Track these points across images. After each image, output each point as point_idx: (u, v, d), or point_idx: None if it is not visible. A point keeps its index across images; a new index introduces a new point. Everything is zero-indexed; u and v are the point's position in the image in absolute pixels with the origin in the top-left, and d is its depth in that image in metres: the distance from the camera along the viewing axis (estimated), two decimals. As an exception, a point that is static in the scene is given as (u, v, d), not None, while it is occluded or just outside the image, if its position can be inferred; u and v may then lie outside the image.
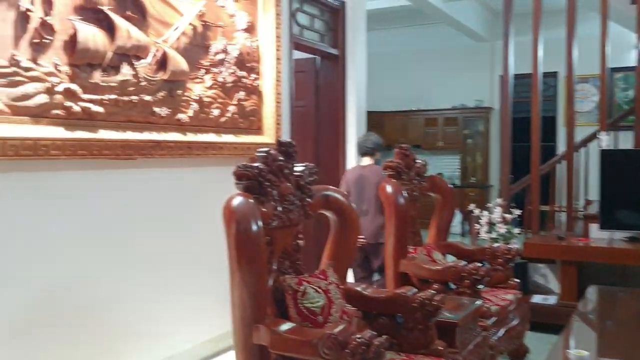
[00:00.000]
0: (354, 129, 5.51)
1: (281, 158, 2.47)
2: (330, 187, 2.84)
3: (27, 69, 2.61)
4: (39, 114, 2.66)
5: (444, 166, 10.53)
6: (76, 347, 2.87)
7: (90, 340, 2.95)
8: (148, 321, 3.25)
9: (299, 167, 2.62)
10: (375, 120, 10.41)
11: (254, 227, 2.17)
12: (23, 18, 2.59)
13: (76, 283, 2.89)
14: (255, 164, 2.35)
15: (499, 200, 5.13)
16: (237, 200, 2.19)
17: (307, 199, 2.62)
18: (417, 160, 3.77)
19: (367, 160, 4.59)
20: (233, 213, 2.15)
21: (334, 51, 5.34)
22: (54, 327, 2.78)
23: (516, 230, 4.93)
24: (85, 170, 2.93)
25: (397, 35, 10.27)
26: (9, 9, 2.53)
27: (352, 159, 5.55)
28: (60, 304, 2.81)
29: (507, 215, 4.89)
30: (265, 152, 2.39)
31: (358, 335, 2.02)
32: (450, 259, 3.83)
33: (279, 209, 2.42)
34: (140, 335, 3.21)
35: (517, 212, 4.97)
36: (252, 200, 2.24)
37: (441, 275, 3.29)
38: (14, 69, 2.55)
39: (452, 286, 3.27)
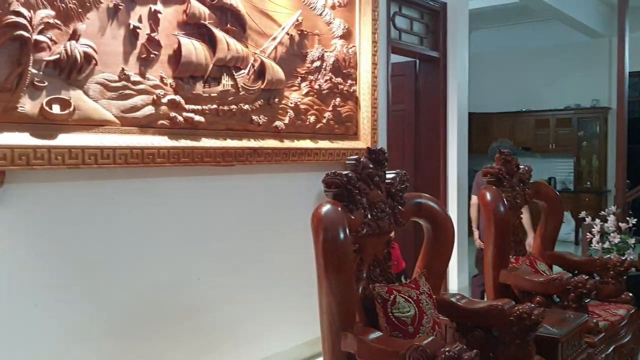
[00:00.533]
0: (455, 132, 5.39)
1: (371, 166, 2.46)
2: (424, 194, 2.79)
3: (136, 83, 2.80)
4: (146, 125, 2.83)
5: (556, 170, 10.00)
6: (175, 347, 3.03)
7: (189, 339, 3.10)
8: (244, 322, 3.36)
9: (390, 175, 2.60)
10: (481, 121, 10.12)
11: (341, 235, 2.17)
12: (132, 35, 2.78)
13: (176, 284, 3.05)
14: (345, 172, 2.36)
15: (613, 208, 4.79)
16: (325, 208, 2.21)
17: (399, 207, 2.59)
18: (521, 166, 3.61)
19: None
20: (321, 221, 2.17)
21: (434, 54, 5.24)
22: (154, 327, 2.95)
23: (631, 241, 4.58)
24: (187, 177, 3.09)
25: (504, 33, 9.89)
26: (119, 27, 2.73)
27: (454, 162, 5.42)
28: (160, 304, 2.98)
29: (622, 224, 4.55)
30: (355, 160, 2.40)
31: (447, 349, 1.97)
32: (557, 270, 3.62)
33: (369, 216, 2.41)
34: (236, 336, 3.33)
35: (633, 220, 4.61)
36: (340, 208, 2.25)
37: (544, 288, 3.12)
38: (123, 82, 2.74)
39: (557, 299, 3.10)
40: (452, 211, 5.45)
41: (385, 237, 2.54)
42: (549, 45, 9.75)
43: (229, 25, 3.21)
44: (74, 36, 2.54)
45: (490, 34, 9.92)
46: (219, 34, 3.14)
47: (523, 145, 10.02)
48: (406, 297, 2.39)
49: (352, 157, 2.41)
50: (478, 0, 7.71)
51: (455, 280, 5.47)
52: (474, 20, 8.92)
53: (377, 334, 2.19)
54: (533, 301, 3.01)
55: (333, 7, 3.91)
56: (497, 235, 3.24)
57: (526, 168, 3.60)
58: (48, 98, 2.46)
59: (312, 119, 3.76)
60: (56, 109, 2.48)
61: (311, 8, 3.75)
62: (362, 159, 2.43)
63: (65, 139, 2.49)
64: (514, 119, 10.31)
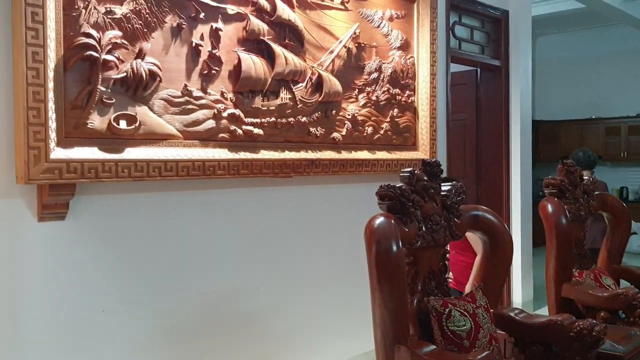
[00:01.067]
0: (518, 141, 5.28)
1: (426, 178, 2.46)
2: (481, 207, 2.75)
3: (198, 98, 2.91)
4: (207, 138, 2.94)
5: (628, 179, 9.57)
6: (235, 354, 3.11)
7: (249, 347, 3.17)
8: (301, 332, 3.41)
9: (445, 187, 2.58)
10: (548, 129, 9.84)
11: (394, 248, 2.18)
12: (194, 52, 2.89)
13: (236, 293, 3.13)
14: (399, 185, 2.37)
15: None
16: (379, 220, 2.22)
17: (455, 219, 2.56)
18: (585, 177, 3.49)
19: (586, 174, 4.41)
20: (374, 233, 2.18)
21: (495, 62, 5.16)
22: (215, 334, 3.04)
23: None
24: (246, 188, 3.17)
25: (571, 39, 9.59)
26: (182, 45, 2.85)
27: (517, 172, 5.30)
28: (221, 312, 3.07)
29: (698, 238, 4.31)
30: (409, 172, 2.40)
31: (501, 364, 1.94)
32: (624, 284, 3.47)
33: (423, 229, 2.40)
34: (295, 345, 3.38)
35: None
36: (393, 221, 2.26)
37: (609, 303, 3.00)
38: (186, 98, 2.86)
39: (622, 315, 2.98)
40: (516, 222, 5.33)
41: (440, 250, 2.52)
42: (618, 49, 9.38)
43: (287, 40, 3.29)
44: (140, 55, 2.67)
45: (556, 40, 9.65)
46: (277, 49, 3.22)
47: (593, 154, 9.67)
48: (462, 310, 2.36)
49: (406, 170, 2.41)
50: (543, 7, 7.54)
51: (520, 293, 5.34)
52: (540, 26, 8.72)
53: (431, 347, 2.17)
54: (597, 317, 2.91)
55: (391, 19, 3.93)
56: (559, 247, 3.14)
57: (590, 179, 3.49)
58: (116, 114, 2.60)
59: (369, 130, 3.78)
60: (123, 124, 2.62)
61: (368, 20, 3.79)
62: (416, 172, 2.43)
63: (131, 153, 2.62)
64: (583, 127, 9.95)
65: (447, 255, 2.62)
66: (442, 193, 2.55)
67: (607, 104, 9.61)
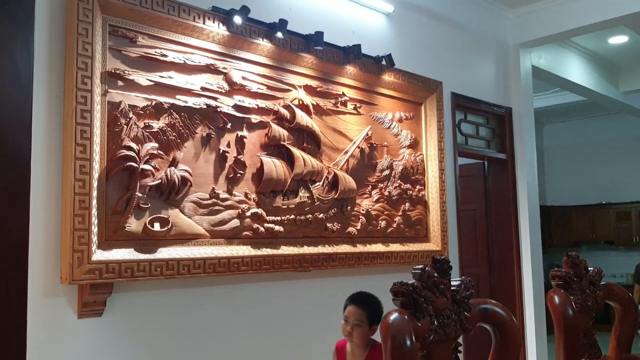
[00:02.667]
0: (527, 229, 5.44)
1: (436, 274, 2.64)
2: (490, 300, 2.90)
3: (224, 199, 3.16)
4: (232, 236, 3.17)
5: (643, 264, 9.58)
6: None
7: None
8: None
9: (455, 282, 2.75)
10: (559, 215, 9.98)
11: (408, 343, 2.33)
12: (221, 158, 3.18)
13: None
14: (411, 281, 2.55)
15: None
16: (393, 317, 2.38)
17: (465, 313, 2.72)
18: (590, 268, 3.64)
19: None
20: (388, 329, 2.34)
21: (501, 156, 5.43)
22: None
23: None
24: (268, 282, 3.37)
25: (576, 127, 9.93)
26: (211, 153, 3.14)
27: (528, 258, 5.42)
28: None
29: None
30: (420, 269, 2.58)
31: None
32: (637, 374, 3.53)
33: (435, 323, 2.56)
34: None
35: None
36: (406, 316, 2.42)
37: (621, 394, 3.07)
38: (213, 200, 3.12)
39: (635, 406, 3.04)
40: (529, 308, 5.40)
41: (452, 343, 2.66)
42: (623, 137, 9.67)
43: (305, 144, 3.59)
44: (174, 163, 2.96)
45: (562, 128, 9.99)
46: (296, 152, 3.51)
47: (605, 239, 9.76)
48: (474, 402, 2.47)
49: (417, 267, 2.60)
50: (546, 99, 7.92)
51: (535, 383, 5.33)
52: (545, 116, 9.11)
53: None
54: (609, 408, 2.97)
55: (400, 120, 4.24)
56: (567, 338, 3.24)
57: (595, 270, 3.63)
58: (150, 217, 2.85)
59: (382, 223, 4.00)
60: (157, 226, 2.86)
61: (379, 123, 4.10)
62: (427, 268, 2.61)
63: (163, 253, 2.85)
64: (594, 212, 10.09)
65: (460, 348, 2.75)
66: (452, 288, 2.72)
67: (616, 189, 9.80)
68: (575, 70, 6.74)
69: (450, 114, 4.76)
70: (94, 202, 2.63)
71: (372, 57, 4.00)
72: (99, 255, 2.63)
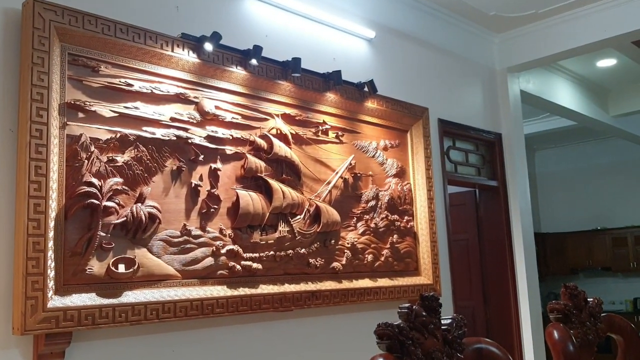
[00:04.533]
0: (522, 258, 5.23)
1: (424, 313, 2.42)
2: (484, 339, 2.67)
3: (196, 237, 2.96)
4: (205, 276, 2.95)
5: (641, 290, 9.37)
6: None
7: None
8: None
9: (445, 321, 2.53)
10: (554, 242, 9.79)
11: (394, 392, 2.11)
12: (193, 192, 2.98)
13: None
14: (397, 322, 2.34)
15: None
16: (377, 363, 2.17)
17: (457, 354, 2.50)
18: (589, 299, 3.43)
19: None
20: (372, 377, 2.12)
21: (492, 183, 5.26)
22: None
23: None
24: (246, 324, 3.13)
25: (568, 152, 9.82)
26: (182, 187, 2.94)
27: (524, 288, 5.21)
28: None
29: None
30: (407, 309, 2.35)
31: None
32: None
33: (425, 367, 2.34)
34: None
35: None
36: (392, 362, 2.20)
37: None
38: (185, 237, 2.91)
39: None
40: (527, 340, 5.16)
41: (445, 388, 2.43)
42: (616, 161, 9.55)
43: (284, 175, 3.40)
44: (140, 199, 2.76)
45: (554, 154, 9.88)
46: (274, 184, 3.32)
47: (602, 265, 9.56)
48: None
49: (403, 306, 2.37)
50: (536, 125, 7.80)
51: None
52: (536, 142, 8.98)
53: None
54: None
55: (385, 149, 4.07)
56: (570, 377, 3.02)
57: (595, 301, 3.42)
58: (114, 258, 2.63)
59: (369, 257, 3.79)
60: (122, 268, 2.65)
61: (363, 151, 3.92)
62: (414, 307, 2.40)
63: (128, 297, 2.63)
64: (590, 238, 9.90)
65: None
66: (442, 327, 2.50)
67: (611, 214, 9.63)
68: (565, 94, 6.63)
69: (437, 140, 4.60)
70: (50, 243, 2.42)
71: (354, 84, 3.85)
72: (55, 301, 2.41)
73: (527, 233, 5.34)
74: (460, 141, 5.02)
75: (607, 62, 6.52)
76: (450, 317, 2.57)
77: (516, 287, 5.26)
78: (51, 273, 2.41)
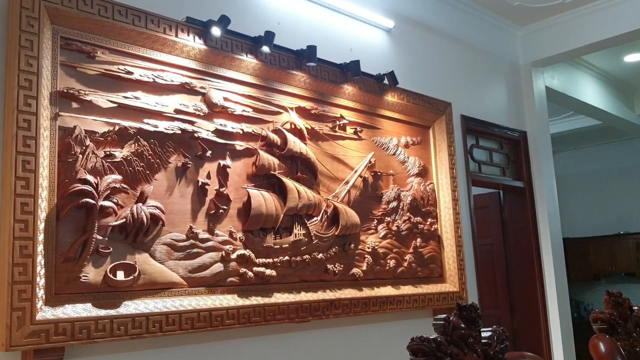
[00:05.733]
0: (551, 264, 4.91)
1: (463, 325, 2.13)
2: (527, 353, 2.38)
3: (204, 240, 2.68)
4: (214, 283, 2.68)
5: (669, 296, 8.97)
6: None
7: None
8: None
9: (486, 333, 2.24)
10: (575, 247, 9.42)
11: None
12: (200, 192, 2.71)
13: None
14: (433, 336, 2.04)
15: None
16: (413, 383, 1.87)
17: (499, 371, 2.20)
18: (634, 307, 3.12)
19: None
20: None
21: (518, 183, 4.95)
22: None
23: None
24: (259, 336, 2.85)
25: (589, 154, 9.45)
26: (187, 185, 2.67)
27: (553, 296, 4.89)
28: None
29: None
30: (444, 320, 2.07)
31: None
32: None
33: (465, 387, 2.04)
34: None
35: None
36: (429, 382, 1.90)
37: None
38: (191, 241, 2.64)
39: None
40: (557, 349, 4.83)
41: (486, 410, 2.13)
42: (638, 163, 9.19)
43: (299, 173, 3.12)
44: (141, 198, 2.49)
45: (575, 155, 9.52)
46: (289, 183, 3.04)
47: (626, 271, 9.18)
48: None
49: (439, 317, 2.09)
50: (558, 125, 7.49)
51: None
52: (556, 143, 8.62)
53: None
54: None
55: (406, 146, 3.78)
56: (621, 394, 2.71)
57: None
58: (113, 264, 2.37)
59: (392, 263, 3.50)
60: (120, 275, 2.37)
61: (383, 149, 3.64)
62: (451, 319, 2.11)
63: (128, 307, 2.35)
64: (613, 243, 9.50)
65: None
66: (483, 341, 2.21)
67: (635, 218, 9.24)
68: (590, 91, 6.32)
69: (461, 138, 4.31)
70: (40, 247, 2.16)
71: (373, 76, 3.57)
72: (46, 313, 2.14)
73: (556, 237, 5.03)
74: (483, 139, 4.73)
75: (634, 57, 6.20)
76: (490, 329, 2.26)
77: (545, 295, 4.94)
78: (41, 281, 2.14)
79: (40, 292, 2.14)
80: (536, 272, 4.93)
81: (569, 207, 9.38)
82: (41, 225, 2.17)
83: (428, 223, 3.80)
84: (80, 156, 2.33)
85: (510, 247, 5.09)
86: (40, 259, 2.15)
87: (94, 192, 2.33)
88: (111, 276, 2.34)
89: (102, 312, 2.28)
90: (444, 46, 4.39)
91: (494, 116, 4.75)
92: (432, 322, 2.16)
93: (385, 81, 3.60)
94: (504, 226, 5.12)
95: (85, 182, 2.31)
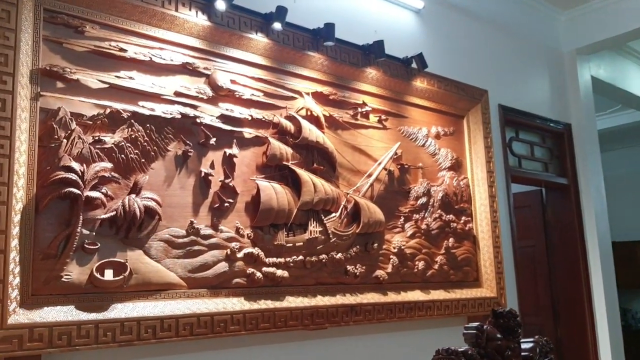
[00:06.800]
0: (598, 267, 4.48)
1: (499, 336, 1.80)
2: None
3: (206, 237, 2.42)
4: (217, 285, 2.41)
5: None
6: None
7: None
8: None
9: (526, 345, 1.90)
10: (623, 251, 8.83)
11: None
12: (203, 183, 2.45)
13: None
14: (463, 348, 1.72)
15: None
16: (436, 406, 1.56)
17: (543, 391, 1.86)
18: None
19: None
20: None
21: (562, 180, 4.54)
22: None
23: None
24: (267, 345, 2.57)
25: (637, 153, 8.89)
26: (188, 176, 2.41)
27: (602, 305, 4.46)
28: None
29: None
30: (476, 329, 1.75)
31: None
32: None
33: (501, 410, 1.71)
34: None
35: None
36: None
37: None
38: (192, 237, 2.37)
39: None
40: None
41: None
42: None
43: (315, 165, 2.83)
44: (135, 189, 2.24)
45: (621, 155, 8.95)
46: (303, 174, 2.75)
47: (682, 278, 8.58)
48: None
49: (471, 326, 1.77)
50: (603, 121, 7.01)
51: None
52: (601, 141, 8.11)
53: None
54: None
55: (437, 137, 3.45)
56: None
57: None
58: (100, 262, 2.12)
59: (420, 264, 3.18)
60: (109, 274, 2.12)
61: (411, 139, 3.32)
62: (485, 327, 1.78)
63: (117, 310, 2.10)
64: (665, 247, 8.92)
65: None
66: (523, 354, 1.87)
67: (689, 220, 8.65)
68: (639, 82, 5.83)
69: (498, 130, 3.94)
70: (15, 242, 1.92)
71: (399, 59, 3.25)
72: (19, 316, 1.91)
73: (604, 239, 4.60)
74: (524, 132, 4.35)
75: (690, 44, 5.69)
76: (532, 339, 1.92)
77: (592, 302, 4.51)
78: (14, 280, 1.91)
79: (14, 293, 1.90)
80: (582, 278, 4.51)
81: (616, 208, 8.82)
82: (16, 217, 1.94)
83: (462, 221, 3.45)
84: (65, 141, 2.09)
85: (553, 250, 4.68)
86: (14, 256, 1.91)
87: (79, 180, 2.08)
88: (98, 275, 2.09)
89: (87, 316, 2.03)
90: (478, 30, 4.03)
91: (535, 107, 4.36)
92: (463, 331, 1.83)
93: (414, 65, 3.28)
94: (547, 227, 4.71)
95: (69, 169, 2.07)
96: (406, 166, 3.25)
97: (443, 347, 1.75)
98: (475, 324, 1.81)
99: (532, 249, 4.71)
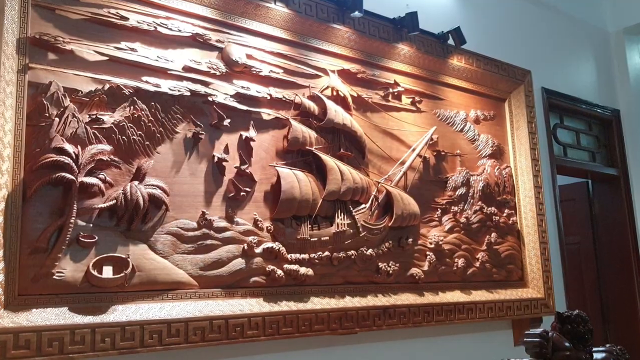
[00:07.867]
0: (652, 267, 4.12)
1: (567, 344, 1.48)
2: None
3: (220, 230, 2.16)
4: (233, 284, 2.15)
5: None
6: None
7: None
8: None
9: (598, 355, 1.58)
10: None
11: None
12: (216, 170, 2.18)
13: None
14: (525, 359, 1.41)
15: None
16: None
17: (621, 411, 1.53)
18: None
19: None
20: None
21: (611, 171, 4.19)
22: None
23: None
24: (289, 352, 2.31)
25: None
26: (199, 161, 2.15)
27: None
28: None
29: None
30: (540, 337, 1.45)
31: None
32: None
33: None
34: None
35: None
36: None
37: None
38: (203, 230, 2.11)
39: None
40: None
41: None
42: None
43: (342, 150, 2.54)
44: (138, 175, 1.99)
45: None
46: (329, 161, 2.46)
47: None
48: None
49: (533, 333, 1.46)
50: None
51: None
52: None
53: None
54: None
55: (477, 121, 3.14)
56: None
57: None
58: (97, 258, 1.86)
59: (460, 262, 2.87)
60: (108, 271, 1.87)
61: (448, 123, 3.02)
62: (551, 334, 1.47)
63: (117, 313, 1.85)
64: None
65: None
66: (594, 367, 1.55)
67: None
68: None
69: (542, 115, 3.60)
70: (-2, 234, 1.66)
71: (434, 35, 2.95)
72: (3, 319, 1.69)
73: (658, 234, 4.22)
74: (569, 118, 4.00)
75: None
76: (604, 348, 1.60)
77: (645, 302, 4.14)
78: (-2, 277, 1.65)
79: (-3, 292, 1.65)
80: (635, 278, 4.14)
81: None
82: (0, 206, 1.68)
83: (505, 215, 3.14)
84: (57, 119, 1.85)
85: (601, 247, 4.33)
86: (-3, 249, 1.66)
87: (73, 164, 1.83)
88: (95, 273, 1.84)
89: (82, 319, 1.78)
90: (520, 6, 3.72)
91: (581, 91, 4.01)
92: (524, 339, 1.52)
93: (450, 41, 2.97)
94: (594, 222, 4.36)
95: (61, 151, 1.82)
96: (443, 153, 2.96)
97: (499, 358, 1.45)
98: (538, 330, 1.50)
99: (578, 246, 4.36)
